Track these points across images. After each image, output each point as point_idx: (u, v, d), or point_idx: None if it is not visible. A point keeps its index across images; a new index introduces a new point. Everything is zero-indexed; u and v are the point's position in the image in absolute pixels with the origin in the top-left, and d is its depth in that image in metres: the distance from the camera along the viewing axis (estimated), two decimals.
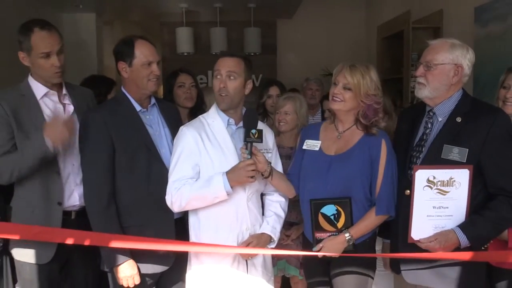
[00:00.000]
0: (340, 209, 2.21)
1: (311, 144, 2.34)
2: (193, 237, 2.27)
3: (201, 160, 2.18)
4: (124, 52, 2.27)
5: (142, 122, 2.29)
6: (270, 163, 2.23)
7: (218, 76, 2.21)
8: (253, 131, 2.12)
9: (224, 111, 2.26)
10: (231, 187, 2.11)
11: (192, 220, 2.27)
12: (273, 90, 3.57)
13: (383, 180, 2.21)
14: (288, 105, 2.99)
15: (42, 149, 2.15)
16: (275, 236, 2.30)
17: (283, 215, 2.38)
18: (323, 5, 6.87)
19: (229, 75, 2.19)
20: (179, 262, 2.31)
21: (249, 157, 2.11)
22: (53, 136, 2.14)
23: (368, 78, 2.21)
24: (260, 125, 2.28)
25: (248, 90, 2.26)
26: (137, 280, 2.21)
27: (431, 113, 2.22)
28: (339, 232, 2.22)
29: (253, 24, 6.77)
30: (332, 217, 2.22)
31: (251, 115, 2.18)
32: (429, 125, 2.22)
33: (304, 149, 2.35)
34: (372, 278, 2.32)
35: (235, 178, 2.10)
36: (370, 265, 2.30)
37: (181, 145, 2.20)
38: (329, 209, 2.22)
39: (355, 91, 2.20)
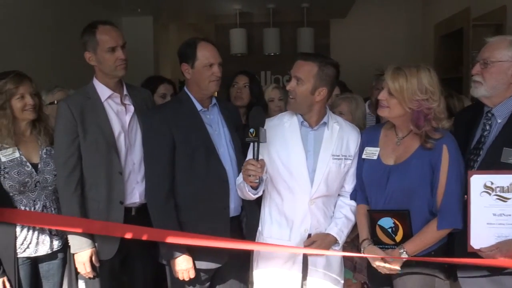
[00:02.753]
0: (397, 222, 2.08)
1: (370, 152, 2.22)
2: (260, 228, 2.34)
3: (266, 155, 2.20)
4: (187, 54, 2.34)
5: (202, 121, 2.35)
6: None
7: (291, 79, 2.22)
8: (251, 130, 2.07)
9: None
10: (254, 188, 2.14)
11: (261, 213, 2.35)
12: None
13: (445, 190, 2.04)
14: (343, 105, 2.91)
15: None
16: (341, 239, 2.27)
17: (353, 219, 2.31)
18: (377, 4, 6.74)
19: (296, 80, 2.18)
20: (234, 260, 2.36)
21: (257, 157, 2.07)
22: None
23: (414, 81, 2.03)
24: (350, 129, 2.29)
25: (320, 97, 2.18)
26: (192, 274, 2.28)
27: (489, 114, 2.13)
28: (398, 246, 2.09)
29: (306, 24, 6.75)
30: (389, 230, 2.11)
31: (255, 115, 2.15)
32: (487, 127, 2.12)
33: (364, 158, 2.24)
34: (442, 279, 2.15)
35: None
36: (436, 265, 2.12)
37: None
38: (386, 222, 2.11)
39: (398, 97, 2.05)
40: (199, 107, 2.38)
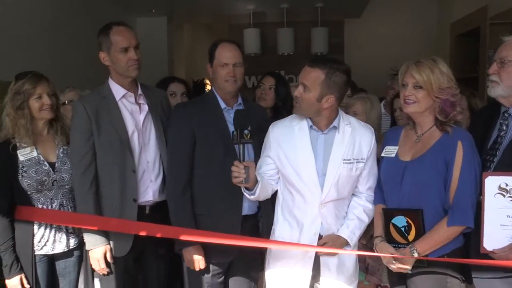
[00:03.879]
0: (410, 221, 2.06)
1: (389, 151, 2.22)
2: (273, 226, 2.35)
3: (275, 156, 2.23)
4: (210, 53, 2.44)
5: (224, 119, 2.40)
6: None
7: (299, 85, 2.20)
8: (234, 132, 2.12)
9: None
10: (248, 188, 2.16)
11: (274, 213, 2.36)
12: None
13: (458, 186, 2.01)
14: (357, 105, 2.88)
15: None
16: (352, 241, 2.25)
17: (366, 220, 2.29)
18: (392, 3, 6.71)
19: (303, 86, 2.15)
20: (247, 257, 2.41)
21: (241, 159, 2.10)
22: None
23: (437, 71, 2.05)
24: (363, 131, 2.25)
25: (327, 105, 2.13)
26: (202, 265, 2.36)
27: (506, 114, 2.10)
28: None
29: (320, 24, 6.74)
30: (402, 229, 2.09)
31: (238, 117, 2.18)
32: (504, 127, 2.09)
33: (383, 157, 2.25)
34: (455, 277, 2.10)
35: None
36: (449, 265, 2.09)
37: (264, 141, 2.31)
38: (399, 221, 2.09)
39: (427, 88, 2.05)
40: (223, 105, 2.43)
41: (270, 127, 2.31)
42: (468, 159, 2.03)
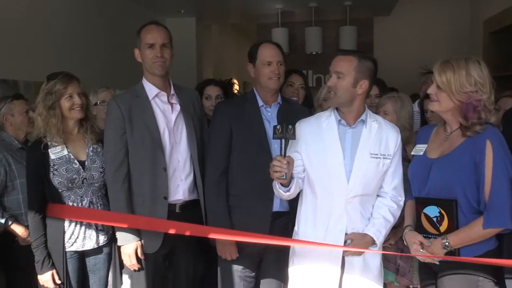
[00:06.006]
0: (443, 212, 2.01)
1: (418, 149, 2.21)
2: (296, 227, 2.35)
3: (304, 152, 2.23)
4: (251, 54, 2.55)
5: (261, 117, 2.50)
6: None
7: (330, 75, 2.22)
8: (278, 126, 2.10)
9: (337, 110, 2.24)
10: (285, 185, 2.16)
11: (297, 213, 2.35)
12: (372, 90, 3.38)
13: (492, 188, 1.94)
14: (388, 104, 2.83)
15: None
16: (378, 240, 2.22)
17: (392, 220, 2.26)
18: (423, 0, 6.57)
19: (337, 74, 2.16)
20: (277, 256, 2.44)
21: (283, 153, 2.07)
22: None
23: (463, 73, 1.97)
24: (389, 128, 2.25)
25: (361, 90, 2.17)
26: (234, 255, 2.46)
27: None
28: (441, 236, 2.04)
29: (349, 22, 6.67)
30: (434, 219, 2.06)
31: (283, 112, 2.23)
32: None
33: (413, 155, 2.24)
34: (487, 278, 2.03)
35: None
36: (480, 266, 2.02)
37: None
38: (431, 211, 2.05)
39: (446, 90, 2.00)
40: (260, 103, 2.53)
41: (297, 124, 2.29)
42: (499, 158, 1.96)
